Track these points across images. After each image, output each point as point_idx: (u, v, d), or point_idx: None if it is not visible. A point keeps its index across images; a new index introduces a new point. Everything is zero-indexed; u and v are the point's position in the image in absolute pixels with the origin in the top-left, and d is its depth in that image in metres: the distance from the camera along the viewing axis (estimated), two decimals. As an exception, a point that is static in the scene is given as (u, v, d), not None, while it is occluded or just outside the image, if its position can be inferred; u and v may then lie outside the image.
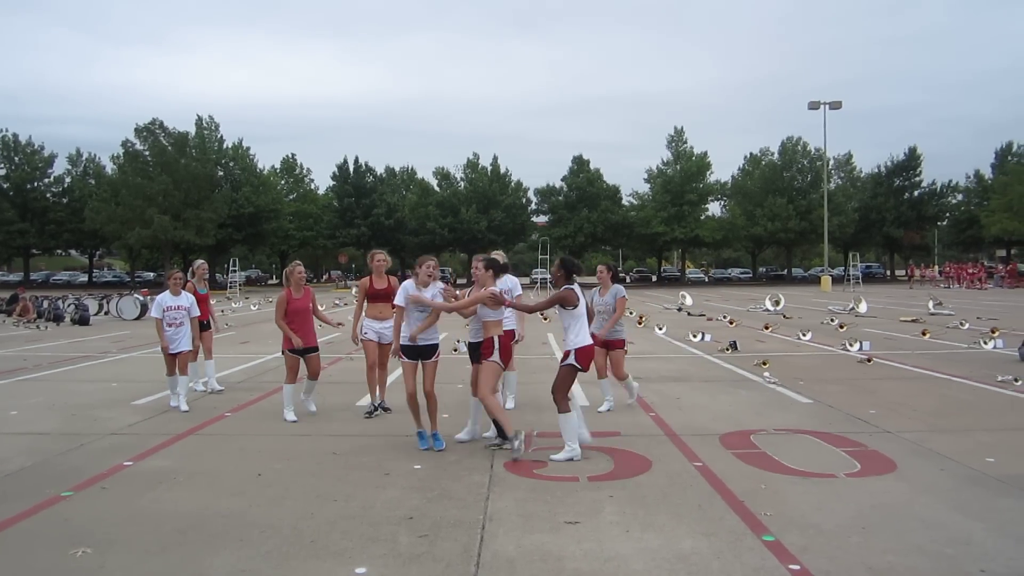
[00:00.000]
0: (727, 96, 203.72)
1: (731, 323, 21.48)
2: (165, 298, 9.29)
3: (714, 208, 76.90)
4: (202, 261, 11.18)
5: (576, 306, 6.98)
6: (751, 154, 75.08)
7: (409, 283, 7.29)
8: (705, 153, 70.96)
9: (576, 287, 7.08)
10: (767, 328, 19.18)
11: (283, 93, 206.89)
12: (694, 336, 17.23)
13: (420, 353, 7.23)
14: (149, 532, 4.95)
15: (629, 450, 7.04)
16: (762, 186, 69.89)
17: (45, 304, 26.28)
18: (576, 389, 8.66)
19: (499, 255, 8.59)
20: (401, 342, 7.24)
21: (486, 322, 7.20)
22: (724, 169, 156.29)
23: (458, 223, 69.37)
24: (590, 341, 7.10)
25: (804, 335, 17.20)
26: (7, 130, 68.44)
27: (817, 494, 5.68)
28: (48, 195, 69.33)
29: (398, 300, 7.28)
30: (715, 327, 20.10)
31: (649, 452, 6.94)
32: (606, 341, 8.82)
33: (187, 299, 9.39)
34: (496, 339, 7.16)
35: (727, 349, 14.82)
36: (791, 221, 67.01)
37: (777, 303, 27.57)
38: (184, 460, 6.87)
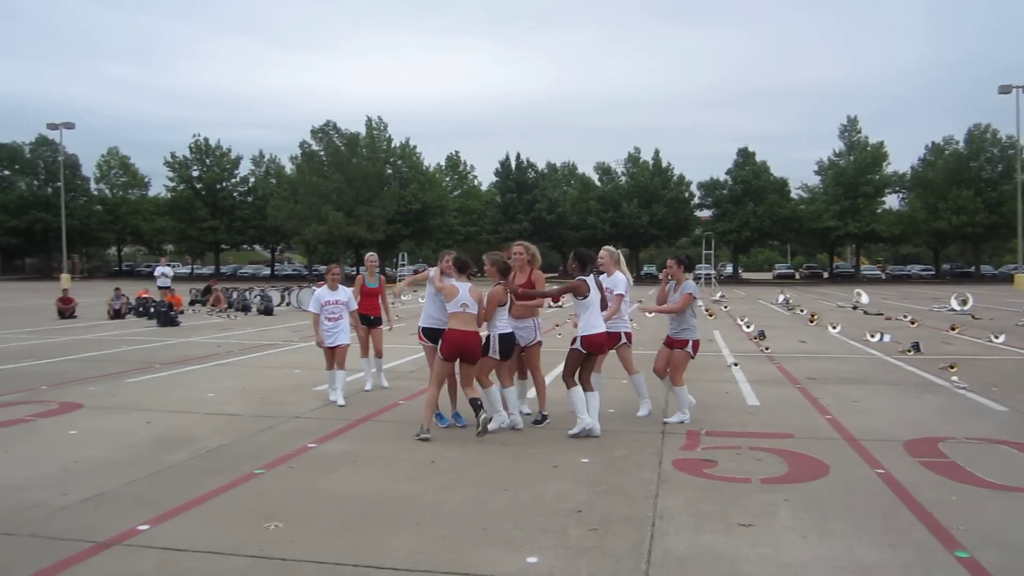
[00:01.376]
0: (904, 82, 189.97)
1: (912, 323, 20.17)
2: (323, 293, 9.49)
3: (891, 201, 72.63)
4: (372, 253, 11.15)
5: (587, 296, 7.42)
6: (933, 143, 69.88)
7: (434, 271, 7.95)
8: (881, 143, 67.37)
9: (589, 278, 7.48)
10: (953, 329, 17.84)
11: (444, 91, 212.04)
12: (872, 336, 16.33)
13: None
14: (333, 511, 5.24)
15: (804, 453, 6.76)
16: (946, 177, 65.03)
17: (234, 295, 28.28)
18: (746, 388, 8.39)
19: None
20: (426, 324, 8.06)
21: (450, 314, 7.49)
22: (902, 159, 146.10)
23: (619, 218, 69.09)
24: (600, 329, 7.49)
25: (997, 337, 15.89)
26: (200, 134, 75.07)
27: (1018, 510, 5.23)
28: (235, 194, 75.03)
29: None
30: (894, 327, 18.94)
31: (825, 456, 6.63)
32: (671, 340, 8.31)
33: (344, 294, 9.56)
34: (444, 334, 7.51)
35: (909, 351, 13.92)
36: (979, 215, 62.18)
37: (964, 302, 25.63)
38: (362, 444, 7.23)
